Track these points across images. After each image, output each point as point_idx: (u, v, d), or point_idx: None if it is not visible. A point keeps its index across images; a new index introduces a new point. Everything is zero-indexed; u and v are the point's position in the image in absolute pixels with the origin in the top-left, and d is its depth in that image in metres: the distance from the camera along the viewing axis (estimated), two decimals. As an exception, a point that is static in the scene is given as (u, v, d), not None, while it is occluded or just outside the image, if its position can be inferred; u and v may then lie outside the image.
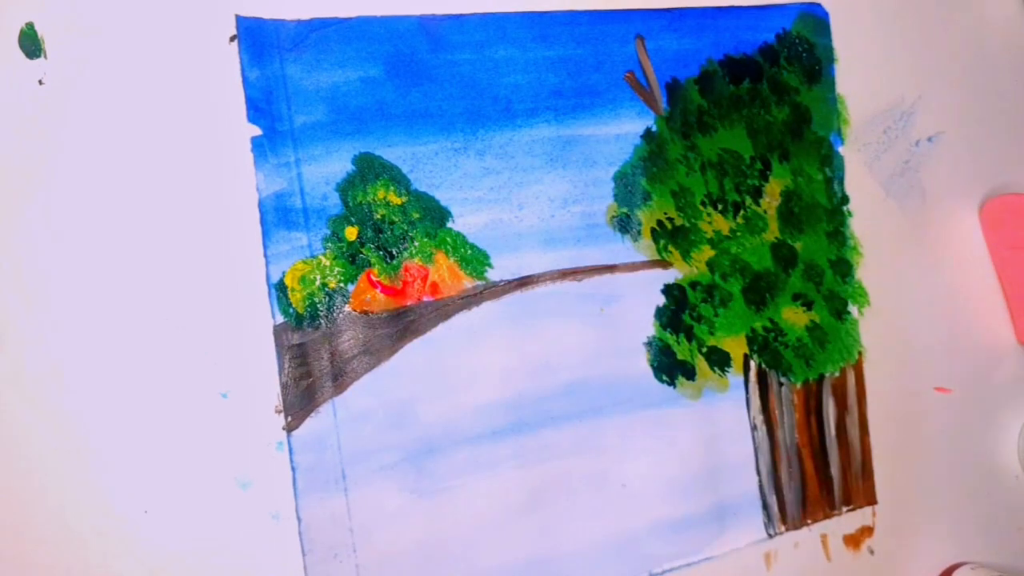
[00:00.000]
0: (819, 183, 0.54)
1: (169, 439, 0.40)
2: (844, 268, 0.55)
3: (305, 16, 0.43)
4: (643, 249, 0.49)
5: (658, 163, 0.50)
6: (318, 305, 0.42)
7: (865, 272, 0.56)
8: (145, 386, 0.39)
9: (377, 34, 0.44)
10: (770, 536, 0.52)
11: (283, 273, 0.42)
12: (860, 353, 0.55)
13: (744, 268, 0.52)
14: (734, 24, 0.52)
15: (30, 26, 0.38)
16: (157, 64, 0.40)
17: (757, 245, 0.52)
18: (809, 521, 0.53)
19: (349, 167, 0.43)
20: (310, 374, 0.42)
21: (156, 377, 0.40)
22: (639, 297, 0.49)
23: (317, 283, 0.42)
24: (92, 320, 0.39)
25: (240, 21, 0.41)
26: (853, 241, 0.55)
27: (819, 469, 0.54)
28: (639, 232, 0.49)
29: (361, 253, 0.43)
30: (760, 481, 0.52)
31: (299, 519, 0.41)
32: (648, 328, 0.49)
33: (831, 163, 0.55)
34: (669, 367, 0.50)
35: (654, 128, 0.50)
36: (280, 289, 0.42)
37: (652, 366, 0.49)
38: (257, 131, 0.42)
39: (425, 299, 0.45)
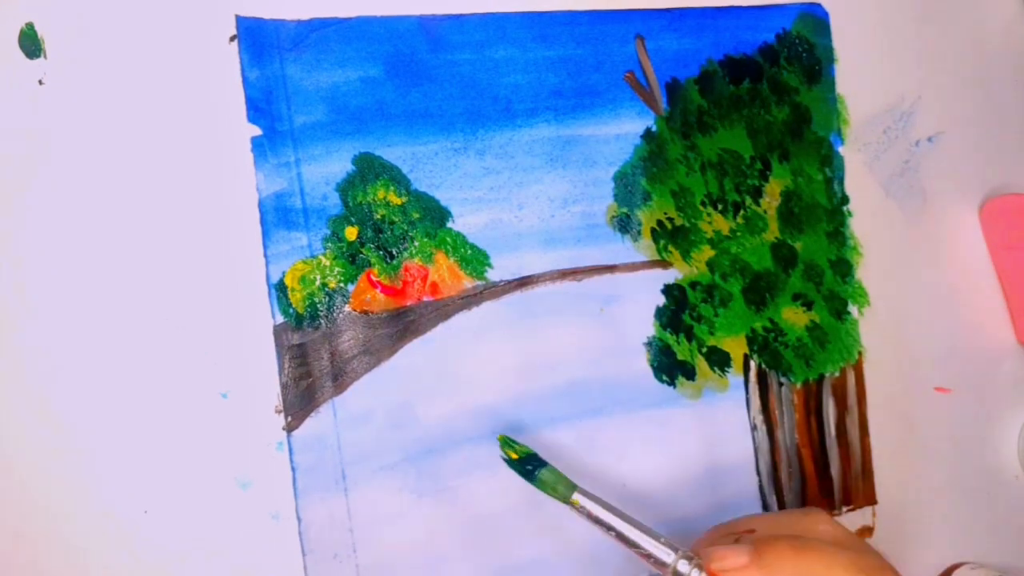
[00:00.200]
0: (819, 183, 0.54)
1: (169, 439, 0.40)
2: (844, 268, 0.55)
3: (305, 16, 0.43)
4: (643, 249, 0.49)
5: (658, 163, 0.50)
6: (318, 305, 0.42)
7: (865, 272, 0.56)
8: (145, 386, 0.39)
9: (377, 34, 0.44)
10: (770, 536, 0.52)
11: (283, 273, 0.42)
12: (860, 353, 0.55)
13: (744, 268, 0.52)
14: (734, 24, 0.52)
15: (30, 26, 0.38)
16: (157, 64, 0.40)
17: (757, 245, 0.52)
18: (809, 521, 0.53)
19: (349, 167, 0.43)
20: (310, 374, 0.42)
21: (156, 377, 0.40)
22: (639, 297, 0.49)
23: (317, 283, 0.43)
24: (92, 320, 0.39)
25: (240, 21, 0.41)
26: (853, 241, 0.55)
27: (819, 469, 0.54)
28: (639, 232, 0.49)
29: (361, 253, 0.43)
30: (760, 481, 0.52)
31: (299, 519, 0.41)
32: (648, 328, 0.49)
33: (831, 163, 0.55)
34: (669, 367, 0.50)
35: (654, 128, 0.50)
36: (280, 289, 0.42)
37: (652, 366, 0.49)
38: (257, 131, 0.42)
39: (425, 299, 0.45)
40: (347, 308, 0.43)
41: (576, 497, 0.41)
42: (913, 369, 0.57)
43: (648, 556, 0.40)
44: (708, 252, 0.51)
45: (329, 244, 0.43)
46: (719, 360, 0.51)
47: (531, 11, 0.47)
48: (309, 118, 0.43)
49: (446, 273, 0.45)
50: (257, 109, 0.42)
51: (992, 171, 0.60)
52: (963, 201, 0.60)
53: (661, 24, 0.50)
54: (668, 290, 0.50)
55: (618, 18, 0.49)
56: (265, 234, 0.42)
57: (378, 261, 0.44)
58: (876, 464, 0.55)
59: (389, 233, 0.44)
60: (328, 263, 0.43)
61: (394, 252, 0.44)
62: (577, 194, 0.48)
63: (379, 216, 0.44)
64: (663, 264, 0.50)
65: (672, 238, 0.50)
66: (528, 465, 0.42)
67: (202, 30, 0.41)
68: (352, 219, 0.43)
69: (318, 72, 0.43)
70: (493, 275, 0.46)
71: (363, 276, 0.43)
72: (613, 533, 0.41)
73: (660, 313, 0.50)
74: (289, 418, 0.42)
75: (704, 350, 0.51)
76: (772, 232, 0.53)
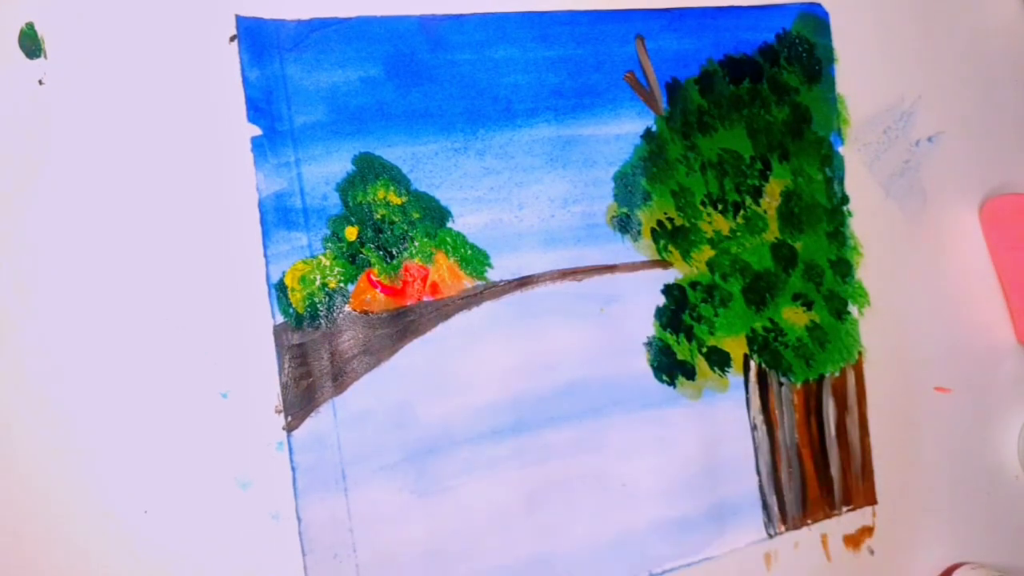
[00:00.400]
0: (819, 183, 0.54)
1: (169, 439, 0.40)
2: (844, 268, 0.55)
3: (305, 16, 0.43)
4: (643, 249, 0.49)
5: (658, 163, 0.50)
6: (318, 305, 0.42)
7: (865, 272, 0.56)
8: (145, 386, 0.39)
9: (377, 34, 0.44)
10: (770, 536, 0.52)
11: (283, 273, 0.42)
12: (860, 353, 0.55)
13: (744, 268, 0.52)
14: (734, 24, 0.52)
15: (30, 26, 0.38)
16: (157, 64, 0.40)
17: (757, 245, 0.52)
18: (809, 521, 0.53)
19: (349, 167, 0.43)
20: (310, 374, 0.42)
21: (156, 377, 0.40)
22: (639, 297, 0.49)
23: (317, 283, 0.42)
24: (92, 320, 0.39)
25: (240, 21, 0.41)
26: (853, 241, 0.55)
27: (819, 469, 0.54)
28: (639, 232, 0.49)
29: (361, 253, 0.43)
30: (760, 481, 0.52)
31: (299, 519, 0.41)
32: (648, 328, 0.49)
33: (831, 163, 0.55)
34: (669, 367, 0.50)
35: (654, 128, 0.50)
36: (280, 289, 0.42)
37: (652, 366, 0.49)
38: (257, 131, 0.42)
39: (425, 299, 0.45)
40: (347, 308, 0.43)
41: None
42: (913, 369, 0.57)
43: None
44: (708, 252, 0.51)
45: (329, 244, 0.43)
46: (719, 360, 0.51)
47: (531, 11, 0.47)
48: (309, 118, 0.43)
49: (446, 273, 0.45)
50: (257, 109, 0.42)
51: (992, 171, 0.60)
52: (963, 201, 0.60)
53: (661, 24, 0.50)
54: (668, 290, 0.50)
55: (618, 18, 0.49)
56: (265, 234, 0.42)
57: (378, 261, 0.44)
58: (876, 464, 0.55)
59: (389, 233, 0.44)
60: (328, 263, 0.43)
61: (394, 252, 0.44)
62: (577, 194, 0.48)
63: (379, 216, 0.44)
64: (663, 264, 0.50)
65: (672, 238, 0.50)
66: None
67: (202, 30, 0.41)
68: (352, 219, 0.43)
69: (318, 72, 0.43)
70: (493, 275, 0.46)
71: (363, 276, 0.43)
72: None
73: (660, 313, 0.50)
74: (289, 418, 0.42)
75: (704, 350, 0.51)
76: (772, 232, 0.53)
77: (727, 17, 0.52)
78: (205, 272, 0.40)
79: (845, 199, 0.55)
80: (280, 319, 0.42)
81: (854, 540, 0.54)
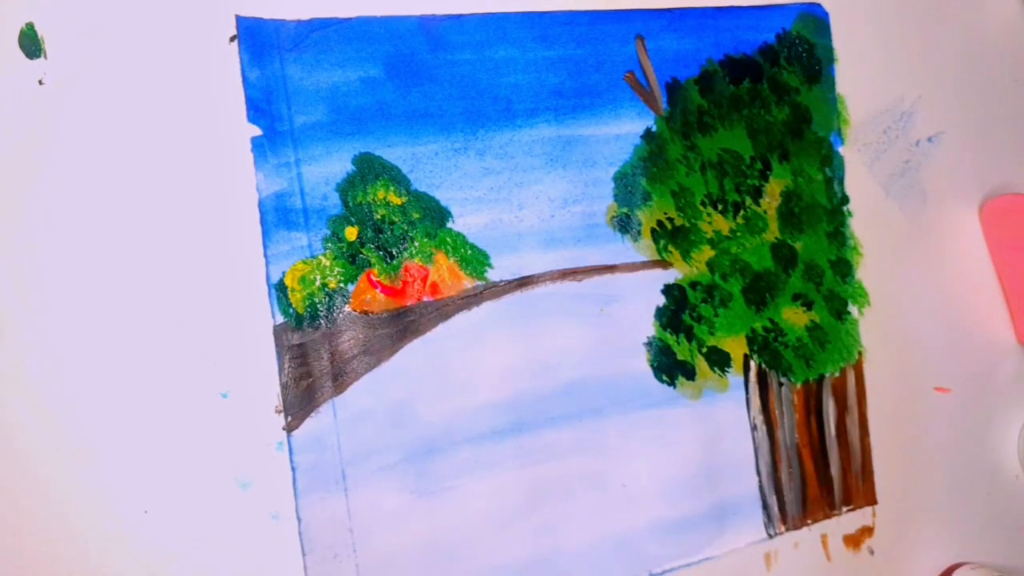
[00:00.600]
0: (819, 183, 0.54)
1: (169, 439, 0.40)
2: (844, 268, 0.55)
3: (305, 16, 0.43)
4: (643, 249, 0.49)
5: (658, 163, 0.50)
6: (318, 305, 0.42)
7: (865, 272, 0.56)
8: (145, 386, 0.39)
9: (377, 34, 0.44)
10: (770, 536, 0.52)
11: (283, 273, 0.42)
12: (860, 353, 0.55)
13: (744, 268, 0.52)
14: (734, 24, 0.52)
15: (30, 26, 0.38)
16: (157, 64, 0.40)
17: (757, 245, 0.52)
18: (809, 521, 0.53)
19: (349, 167, 0.43)
20: (310, 374, 0.42)
21: (156, 377, 0.40)
22: (639, 297, 0.49)
23: (317, 283, 0.42)
24: (92, 320, 0.39)
25: (240, 21, 0.41)
26: (853, 241, 0.55)
27: (819, 469, 0.54)
28: (639, 232, 0.49)
29: (361, 253, 0.43)
30: (760, 481, 0.52)
31: (299, 519, 0.41)
32: (648, 328, 0.49)
33: (831, 163, 0.55)
34: (669, 367, 0.50)
35: (654, 128, 0.50)
36: (280, 289, 0.42)
37: (652, 366, 0.49)
38: (257, 131, 0.42)
39: (425, 299, 0.45)
40: (347, 308, 0.43)
41: None
42: (913, 369, 0.57)
43: None
44: (708, 252, 0.51)
45: (329, 244, 0.43)
46: (719, 360, 0.51)
47: (531, 11, 0.47)
48: (309, 118, 0.43)
49: (446, 273, 0.45)
50: (257, 109, 0.42)
51: (992, 171, 0.60)
52: (963, 201, 0.60)
53: (661, 24, 0.50)
54: (668, 290, 0.50)
55: (618, 18, 0.49)
56: (265, 234, 0.42)
57: (378, 261, 0.44)
58: (876, 464, 0.55)
59: (389, 233, 0.44)
60: (328, 263, 0.43)
61: (394, 252, 0.44)
62: (577, 194, 0.48)
63: (379, 216, 0.44)
64: (663, 264, 0.50)
65: (672, 238, 0.50)
66: None
67: (202, 30, 0.41)
68: (352, 219, 0.43)
69: (318, 72, 0.43)
70: (493, 275, 0.46)
71: (363, 276, 0.43)
72: None
73: (660, 313, 0.50)
74: (289, 418, 0.42)
75: (704, 350, 0.51)
76: (772, 232, 0.53)
77: (727, 17, 0.52)
78: (205, 272, 0.40)
79: (845, 199, 0.55)
80: (280, 319, 0.42)
81: (854, 540, 0.54)
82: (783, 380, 0.53)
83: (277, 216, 0.42)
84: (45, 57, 0.38)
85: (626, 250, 0.49)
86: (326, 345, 0.42)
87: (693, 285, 0.51)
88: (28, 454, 0.38)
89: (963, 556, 0.58)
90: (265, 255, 0.42)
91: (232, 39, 0.41)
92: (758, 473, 0.52)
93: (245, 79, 0.41)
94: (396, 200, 0.44)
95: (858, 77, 0.56)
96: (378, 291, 0.44)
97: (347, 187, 0.43)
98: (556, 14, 0.48)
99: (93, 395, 0.39)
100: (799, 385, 0.53)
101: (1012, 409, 0.60)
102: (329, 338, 0.43)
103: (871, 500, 0.55)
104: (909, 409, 0.57)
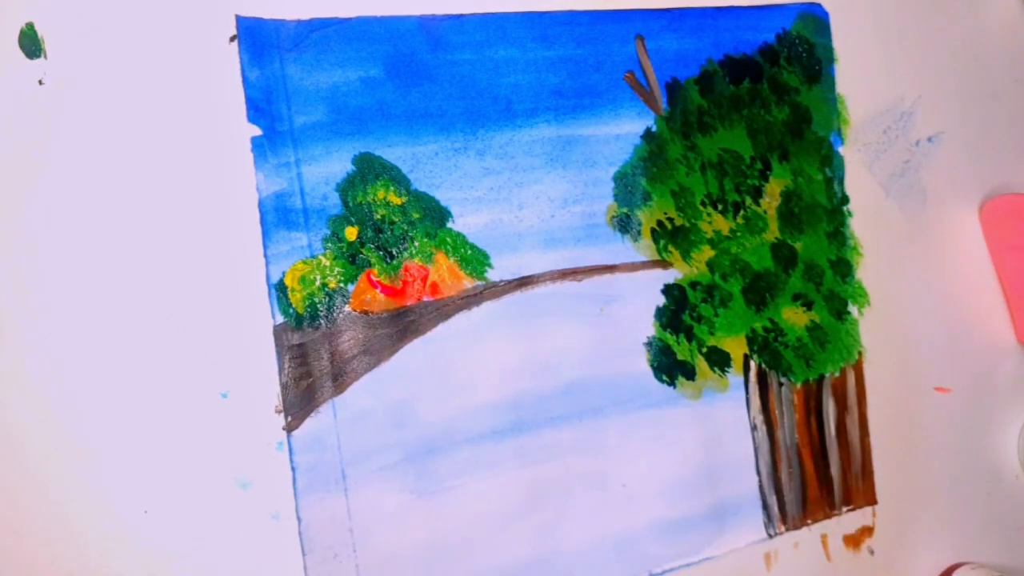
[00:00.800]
0: (819, 183, 0.54)
1: (169, 439, 0.40)
2: (844, 268, 0.55)
3: (305, 16, 0.43)
4: (643, 249, 0.49)
5: (658, 163, 0.50)
6: (318, 305, 0.42)
7: (865, 272, 0.56)
8: (145, 386, 0.39)
9: (377, 34, 0.44)
10: (770, 536, 0.52)
11: (283, 273, 0.42)
12: (860, 353, 0.55)
13: (744, 268, 0.52)
14: (734, 24, 0.52)
15: (30, 26, 0.38)
16: (157, 64, 0.40)
17: (757, 245, 0.52)
18: (809, 521, 0.53)
19: (349, 167, 0.43)
20: (310, 374, 0.42)
21: (156, 377, 0.40)
22: (639, 297, 0.49)
23: (317, 283, 0.42)
24: (92, 320, 0.39)
25: (240, 21, 0.41)
26: (853, 241, 0.55)
27: (819, 469, 0.54)
28: (639, 232, 0.49)
29: (361, 253, 0.43)
30: (760, 481, 0.52)
31: (299, 519, 0.41)
32: (648, 328, 0.49)
33: (831, 163, 0.55)
34: (669, 367, 0.50)
35: (654, 128, 0.50)
36: (280, 289, 0.42)
37: (652, 366, 0.49)
38: (257, 131, 0.42)
39: (425, 299, 0.45)
40: (347, 308, 0.43)
41: None
42: (913, 369, 0.57)
43: None
44: (708, 252, 0.51)
45: (329, 244, 0.43)
46: (719, 360, 0.51)
47: (531, 11, 0.47)
48: (309, 118, 0.43)
49: (446, 273, 0.45)
50: (257, 109, 0.42)
51: (992, 171, 0.60)
52: (963, 201, 0.60)
53: (661, 24, 0.50)
54: (668, 290, 0.50)
55: (618, 18, 0.49)
56: (265, 234, 0.42)
57: (378, 261, 0.44)
58: (876, 464, 0.55)
59: (389, 233, 0.44)
60: (328, 263, 0.43)
61: (394, 252, 0.44)
62: (577, 194, 0.48)
63: (379, 216, 0.44)
64: (663, 264, 0.50)
65: (672, 238, 0.50)
66: None
67: (202, 30, 0.41)
68: (352, 219, 0.43)
69: (318, 72, 0.43)
70: (493, 275, 0.46)
71: (363, 276, 0.43)
72: None
73: (660, 313, 0.50)
74: (289, 418, 0.42)
75: (704, 350, 0.51)
76: (772, 232, 0.53)
77: (727, 17, 0.52)
78: (205, 272, 0.40)
79: (845, 199, 0.55)
80: (280, 319, 0.42)
81: (854, 540, 0.54)
82: (783, 380, 0.53)
83: (277, 216, 0.42)
84: (45, 57, 0.38)
85: (626, 250, 0.49)
86: (326, 345, 0.42)
87: (693, 285, 0.51)
88: (28, 454, 0.38)
89: (963, 556, 0.58)
90: (265, 255, 0.42)
91: (232, 39, 0.41)
92: (758, 473, 0.52)
93: (245, 79, 0.41)
94: (396, 200, 0.44)
95: (858, 77, 0.56)
96: (378, 291, 0.44)
97: (347, 187, 0.43)
98: (556, 14, 0.48)
99: (93, 395, 0.39)
100: (799, 385, 0.53)
101: (1012, 409, 0.60)
102: (329, 338, 0.43)
103: (871, 500, 0.55)
104: (909, 409, 0.57)
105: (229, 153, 0.41)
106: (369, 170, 0.44)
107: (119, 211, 0.39)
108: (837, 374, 0.54)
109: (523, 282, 0.47)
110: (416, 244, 0.44)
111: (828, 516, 0.54)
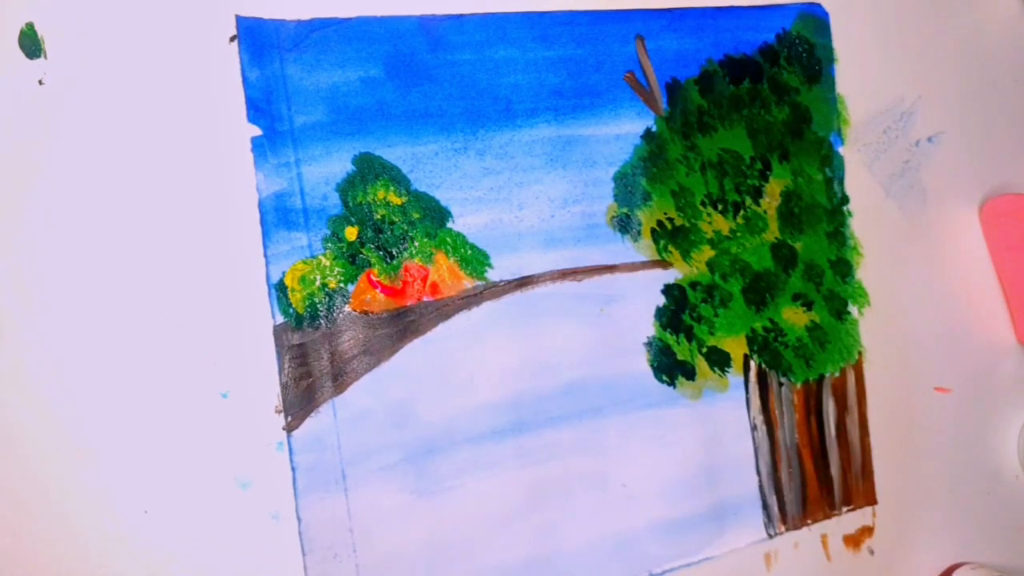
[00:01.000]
0: (819, 183, 0.54)
1: (169, 439, 0.40)
2: (844, 268, 0.55)
3: (305, 16, 0.43)
4: (643, 249, 0.49)
5: (658, 163, 0.50)
6: (318, 305, 0.42)
7: (865, 272, 0.56)
8: (145, 386, 0.39)
9: (377, 34, 0.44)
10: (770, 536, 0.52)
11: (283, 273, 0.42)
12: (860, 353, 0.55)
13: (744, 268, 0.52)
14: (734, 24, 0.52)
15: (30, 26, 0.38)
16: (157, 64, 0.40)
17: (757, 245, 0.52)
18: (809, 521, 0.53)
19: (349, 167, 0.43)
20: (310, 374, 0.42)
21: (156, 377, 0.40)
22: (639, 297, 0.49)
23: (317, 283, 0.42)
24: (92, 320, 0.39)
25: (240, 21, 0.41)
26: (853, 241, 0.55)
27: (819, 469, 0.54)
28: (639, 232, 0.49)
29: (361, 253, 0.43)
30: (760, 481, 0.52)
31: (299, 519, 0.41)
32: (648, 328, 0.49)
33: (831, 163, 0.55)
34: (669, 367, 0.50)
35: (654, 128, 0.50)
36: (280, 289, 0.42)
37: (652, 366, 0.49)
38: (257, 131, 0.42)
39: (425, 299, 0.45)
40: (347, 308, 0.43)
41: None
42: (913, 369, 0.57)
43: None
44: (708, 252, 0.51)
45: (329, 244, 0.43)
46: (719, 360, 0.51)
47: (531, 11, 0.47)
48: (309, 118, 0.43)
49: (446, 273, 0.45)
50: (257, 109, 0.42)
51: (992, 171, 0.60)
52: (963, 201, 0.60)
53: (661, 24, 0.50)
54: (668, 290, 0.50)
55: (618, 18, 0.49)
56: (265, 234, 0.42)
57: (378, 261, 0.44)
58: (876, 464, 0.55)
59: (389, 233, 0.44)
60: (328, 263, 0.43)
61: (394, 252, 0.44)
62: (577, 194, 0.48)
63: (379, 216, 0.44)
64: (663, 264, 0.50)
65: (672, 238, 0.50)
66: None
67: (202, 30, 0.41)
68: (352, 219, 0.43)
69: (318, 72, 0.43)
70: (493, 275, 0.46)
71: (363, 276, 0.43)
72: None
73: (660, 313, 0.50)
74: (289, 418, 0.42)
75: (704, 350, 0.51)
76: (772, 232, 0.53)
77: (727, 17, 0.52)
78: (205, 272, 0.40)
79: (845, 199, 0.55)
80: (280, 319, 0.42)
81: (854, 540, 0.54)
82: (783, 380, 0.53)
83: (277, 216, 0.42)
84: (45, 57, 0.38)
85: (626, 250, 0.49)
86: (326, 345, 0.42)
87: (693, 285, 0.51)
88: (28, 454, 0.38)
89: (963, 556, 0.58)
90: (265, 255, 0.42)
91: (232, 39, 0.41)
92: (758, 473, 0.52)
93: (245, 79, 0.41)
94: (396, 200, 0.44)
95: (858, 77, 0.56)
96: (378, 291, 0.44)
97: (347, 187, 0.43)
98: (556, 14, 0.48)
99: (93, 395, 0.39)
100: (799, 385, 0.53)
101: (1012, 409, 0.60)
102: (329, 338, 0.43)
103: (871, 500, 0.55)
104: (909, 409, 0.57)
105: (229, 153, 0.41)
106: (369, 170, 0.44)
107: (119, 211, 0.39)
108: (837, 374, 0.54)
109: (523, 282, 0.47)
110: (416, 244, 0.44)
111: (828, 516, 0.54)
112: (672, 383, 0.50)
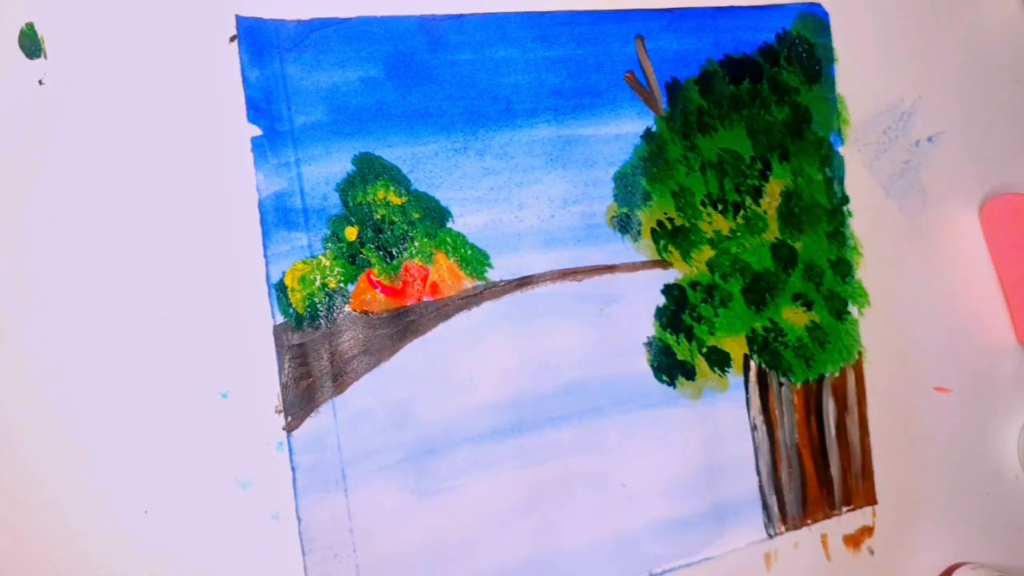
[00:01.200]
0: (819, 183, 0.54)
1: (169, 439, 0.40)
2: (844, 268, 0.55)
3: (305, 16, 0.43)
4: (643, 249, 0.49)
5: (658, 163, 0.50)
6: (318, 305, 0.42)
7: (865, 272, 0.56)
8: (145, 386, 0.39)
9: (377, 34, 0.44)
10: (770, 536, 0.52)
11: (283, 273, 0.42)
12: (860, 353, 0.55)
13: (744, 268, 0.52)
14: (734, 24, 0.52)
15: (30, 26, 0.38)
16: (157, 64, 0.40)
17: (757, 245, 0.52)
18: (809, 521, 0.53)
19: (349, 167, 0.43)
20: (310, 374, 0.42)
21: (156, 377, 0.40)
22: (639, 297, 0.49)
23: (317, 283, 0.42)
24: (92, 320, 0.39)
25: (240, 21, 0.41)
26: (853, 241, 0.55)
27: (819, 469, 0.54)
28: (639, 232, 0.49)
29: (361, 253, 0.43)
30: (760, 481, 0.52)
31: (299, 519, 0.41)
32: (648, 328, 0.49)
33: (831, 163, 0.55)
34: (669, 367, 0.50)
35: (654, 128, 0.50)
36: (280, 289, 0.42)
37: (652, 366, 0.49)
38: (257, 131, 0.42)
39: (425, 299, 0.45)
40: (347, 308, 0.43)
41: None
42: (913, 369, 0.57)
43: None
44: (708, 252, 0.51)
45: (329, 244, 0.43)
46: (719, 360, 0.51)
47: (531, 11, 0.47)
48: (309, 118, 0.43)
49: (446, 273, 0.45)
50: (257, 109, 0.42)
51: (992, 171, 0.60)
52: (963, 201, 0.60)
53: (661, 24, 0.50)
54: (668, 290, 0.50)
55: (618, 18, 0.49)
56: (265, 234, 0.42)
57: (378, 261, 0.44)
58: (876, 464, 0.55)
59: (389, 233, 0.44)
60: (328, 263, 0.43)
61: (394, 252, 0.44)
62: (577, 194, 0.48)
63: (379, 216, 0.44)
64: (663, 264, 0.50)
65: (672, 238, 0.50)
66: None
67: (202, 30, 0.41)
68: (352, 219, 0.43)
69: (318, 72, 0.43)
70: (493, 275, 0.46)
71: (363, 276, 0.43)
72: None
73: (660, 313, 0.50)
74: (289, 418, 0.42)
75: (704, 350, 0.51)
76: (772, 232, 0.53)
77: (727, 17, 0.52)
78: (205, 272, 0.40)
79: (845, 199, 0.55)
80: (280, 319, 0.42)
81: (854, 540, 0.54)
82: (783, 380, 0.53)
83: (277, 216, 0.42)
84: (45, 57, 0.38)
85: (626, 250, 0.49)
86: (326, 345, 0.42)
87: (693, 285, 0.51)
88: (28, 454, 0.38)
89: (963, 556, 0.58)
90: (265, 255, 0.42)
91: (232, 39, 0.41)
92: (758, 473, 0.52)
93: (245, 79, 0.41)
94: (396, 200, 0.44)
95: (858, 77, 0.56)
96: (378, 291, 0.44)
97: (347, 187, 0.43)
98: (556, 14, 0.48)
99: (93, 395, 0.39)
100: (799, 385, 0.53)
101: (1012, 409, 0.60)
102: (329, 338, 0.43)
103: (871, 500, 0.55)
104: (909, 409, 0.57)
105: (229, 153, 0.41)
106: (369, 170, 0.44)
107: (119, 211, 0.39)
108: (837, 374, 0.54)
109: (523, 282, 0.47)
110: (416, 244, 0.44)
111: (828, 516, 0.54)
112: (672, 383, 0.50)
